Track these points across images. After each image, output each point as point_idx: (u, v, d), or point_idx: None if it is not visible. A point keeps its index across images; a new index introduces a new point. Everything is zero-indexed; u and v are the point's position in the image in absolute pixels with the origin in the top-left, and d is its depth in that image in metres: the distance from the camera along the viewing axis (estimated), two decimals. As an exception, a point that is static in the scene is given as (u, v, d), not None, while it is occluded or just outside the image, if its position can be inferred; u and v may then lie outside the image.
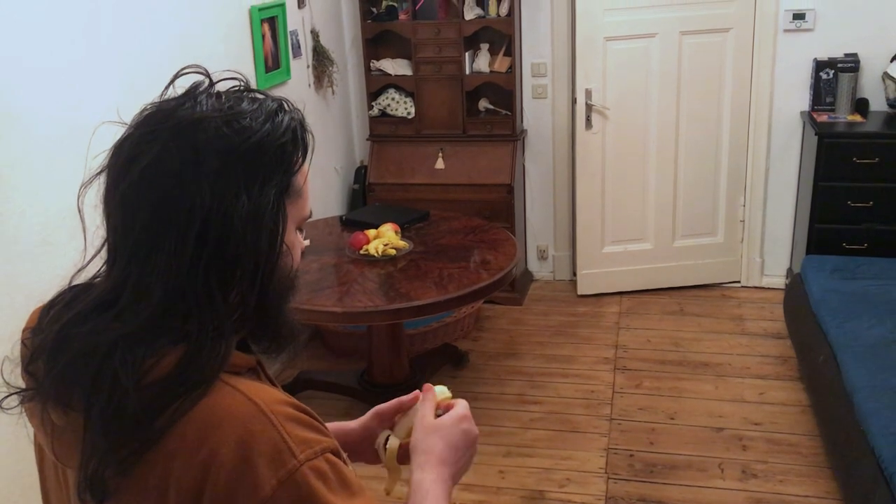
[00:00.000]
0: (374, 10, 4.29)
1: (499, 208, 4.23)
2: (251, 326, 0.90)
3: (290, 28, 3.68)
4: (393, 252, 3.19)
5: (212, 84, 0.91)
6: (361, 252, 3.19)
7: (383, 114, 4.42)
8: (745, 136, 4.29)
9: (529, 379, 3.66)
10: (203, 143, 0.84)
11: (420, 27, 4.19)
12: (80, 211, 0.93)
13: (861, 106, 3.97)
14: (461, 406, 1.10)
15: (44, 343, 0.85)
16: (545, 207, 4.65)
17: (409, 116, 4.37)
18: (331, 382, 3.47)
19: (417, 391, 1.18)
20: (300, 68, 3.83)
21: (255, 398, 0.83)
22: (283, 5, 3.59)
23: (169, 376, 0.81)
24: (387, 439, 1.17)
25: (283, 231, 0.88)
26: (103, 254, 0.91)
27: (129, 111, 2.68)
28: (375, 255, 3.16)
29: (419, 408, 1.12)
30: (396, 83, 4.36)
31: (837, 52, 3.99)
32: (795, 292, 3.59)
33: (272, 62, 3.52)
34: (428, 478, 1.02)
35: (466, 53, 4.23)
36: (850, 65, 3.96)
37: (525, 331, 4.14)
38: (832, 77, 4.00)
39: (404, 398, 1.20)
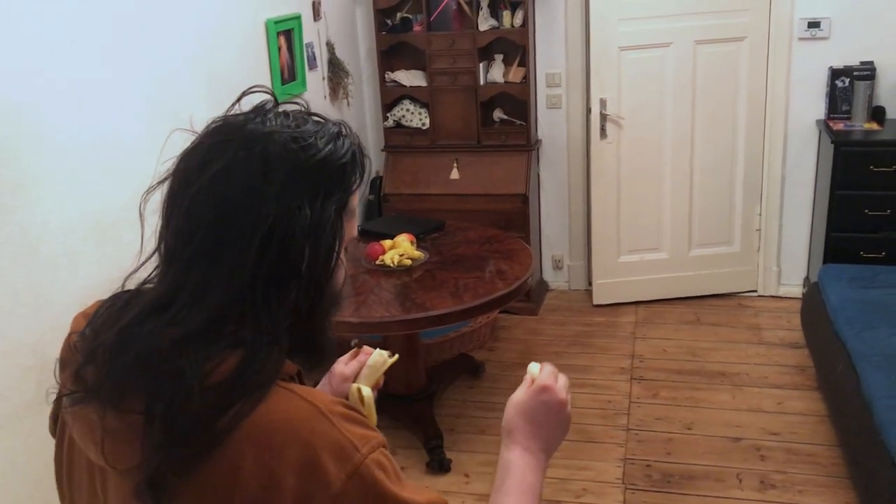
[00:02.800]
0: (389, 21, 4.32)
1: (514, 218, 4.23)
2: (296, 338, 0.92)
3: (305, 40, 3.71)
4: (409, 262, 3.20)
5: (276, 104, 0.95)
6: (377, 262, 3.21)
7: (398, 125, 4.44)
8: (760, 144, 4.28)
9: (545, 389, 3.65)
10: (272, 156, 0.87)
11: (434, 38, 4.21)
12: (141, 215, 0.96)
13: (877, 114, 3.95)
14: (543, 375, 1.10)
15: (102, 346, 0.86)
16: (560, 217, 4.65)
17: (424, 127, 4.39)
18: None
19: (368, 347, 1.28)
20: (316, 80, 3.86)
21: (312, 400, 0.86)
22: (298, 18, 3.62)
23: (229, 379, 0.83)
24: (358, 391, 1.23)
25: (339, 246, 0.92)
26: (153, 258, 0.94)
27: (150, 123, 2.73)
28: (391, 265, 3.17)
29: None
30: (411, 94, 4.38)
31: (853, 60, 3.98)
32: (813, 301, 3.57)
33: (288, 74, 3.55)
34: (511, 455, 1.04)
35: (481, 64, 4.24)
36: (866, 73, 3.94)
37: (541, 341, 4.14)
38: (848, 85, 3.99)
39: (361, 356, 1.29)
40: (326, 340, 0.96)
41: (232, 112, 0.95)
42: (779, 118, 4.20)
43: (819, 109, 4.12)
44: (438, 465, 3.10)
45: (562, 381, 1.11)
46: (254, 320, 0.86)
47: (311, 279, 0.89)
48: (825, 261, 3.86)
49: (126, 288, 0.95)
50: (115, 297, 0.93)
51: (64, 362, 0.95)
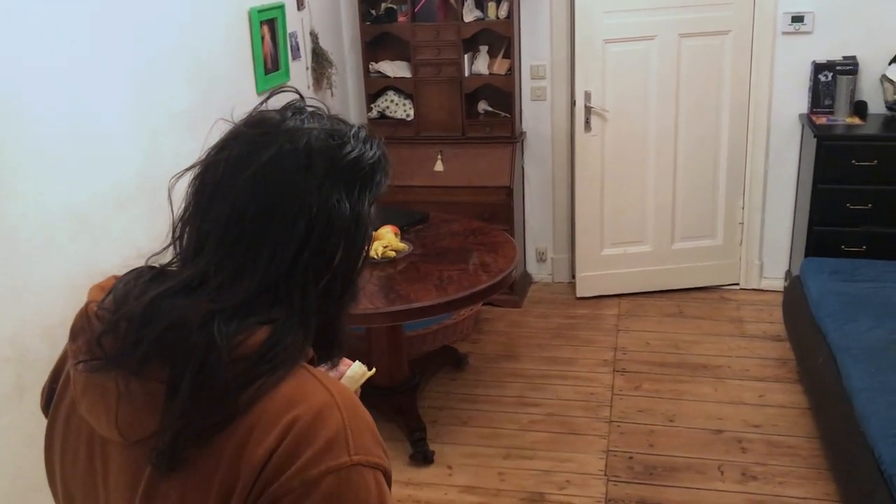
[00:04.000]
0: (374, 12, 4.29)
1: (498, 210, 4.23)
2: (317, 327, 0.94)
3: (289, 30, 3.68)
4: (392, 254, 3.19)
5: (304, 103, 0.99)
6: (361, 254, 3.19)
7: (382, 116, 4.42)
8: (743, 138, 4.30)
9: (529, 381, 3.66)
10: (314, 150, 0.91)
11: (419, 29, 4.20)
12: (170, 199, 0.98)
13: (860, 108, 3.98)
14: None
15: (126, 315, 0.87)
16: (544, 210, 4.65)
17: (409, 118, 4.37)
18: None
19: (347, 359, 1.28)
20: (299, 70, 3.83)
21: (330, 388, 0.88)
22: (282, 7, 3.59)
23: (257, 353, 0.85)
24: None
25: (369, 242, 0.97)
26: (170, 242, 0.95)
27: (131, 111, 2.70)
28: (375, 257, 3.16)
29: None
30: (395, 85, 4.36)
31: (836, 55, 4.00)
32: (794, 294, 3.59)
33: (271, 64, 3.52)
34: None
35: (465, 55, 4.23)
36: (849, 67, 3.96)
37: (524, 333, 4.14)
38: (831, 79, 4.01)
39: (340, 367, 1.29)
40: (342, 332, 1.00)
41: (261, 108, 0.98)
42: (762, 112, 4.22)
43: (802, 103, 4.14)
44: (422, 457, 3.10)
45: None
46: (286, 303, 0.89)
47: (343, 270, 0.94)
48: (807, 254, 3.89)
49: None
50: (137, 271, 0.95)
51: (77, 331, 0.95)
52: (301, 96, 1.00)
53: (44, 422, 1.03)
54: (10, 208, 2.08)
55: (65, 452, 0.97)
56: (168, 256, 0.95)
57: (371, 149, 0.97)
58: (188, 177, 0.96)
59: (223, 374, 0.82)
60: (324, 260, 0.91)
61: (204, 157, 0.95)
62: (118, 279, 0.95)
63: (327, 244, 0.91)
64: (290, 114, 0.96)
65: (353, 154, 0.94)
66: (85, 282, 2.45)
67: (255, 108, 0.98)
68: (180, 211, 0.94)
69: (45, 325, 2.15)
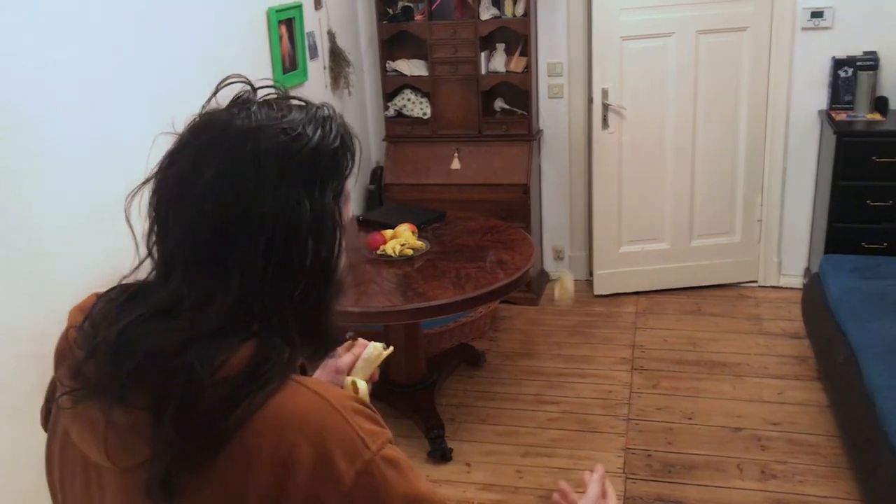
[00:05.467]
0: (390, 10, 4.30)
1: (515, 208, 4.23)
2: (302, 327, 0.91)
3: (306, 29, 3.69)
4: (410, 252, 3.19)
5: (255, 93, 0.92)
6: (378, 252, 3.20)
7: (399, 114, 4.43)
8: (762, 134, 4.27)
9: (546, 379, 3.66)
10: (263, 152, 0.85)
11: (436, 28, 4.20)
12: (127, 218, 0.93)
13: (880, 104, 3.94)
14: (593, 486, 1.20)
15: (103, 342, 0.84)
16: (561, 207, 4.65)
17: (425, 117, 4.38)
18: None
19: (363, 340, 1.29)
20: (317, 69, 3.85)
21: (323, 394, 0.85)
22: (300, 7, 3.61)
23: (241, 373, 0.82)
24: (353, 384, 1.24)
25: (341, 234, 0.91)
26: (143, 256, 0.92)
27: (150, 114, 2.72)
28: (392, 255, 3.17)
29: None
30: (412, 84, 4.37)
31: (856, 50, 3.97)
32: (814, 292, 3.57)
33: (289, 63, 3.54)
34: None
35: (482, 53, 4.23)
36: (870, 63, 3.93)
37: (541, 331, 4.14)
38: (851, 75, 3.97)
39: (356, 349, 1.30)
40: (331, 328, 0.94)
41: (210, 106, 0.92)
42: (781, 108, 4.19)
43: (821, 100, 4.11)
44: (440, 454, 3.10)
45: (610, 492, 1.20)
46: (263, 316, 0.86)
47: (317, 270, 0.89)
48: (826, 251, 3.86)
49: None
50: (114, 291, 0.91)
51: (60, 357, 0.92)
52: (250, 84, 0.93)
53: None
54: (34, 209, 2.10)
55: (63, 475, 0.95)
56: (140, 272, 0.92)
57: (331, 132, 0.90)
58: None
59: (207, 399, 0.79)
60: (294, 265, 0.87)
61: (155, 171, 0.89)
62: (98, 298, 0.92)
63: (293, 249, 0.86)
64: (236, 111, 0.89)
65: (311, 145, 0.87)
66: (105, 279, 2.47)
67: (202, 107, 0.92)
68: (147, 225, 0.90)
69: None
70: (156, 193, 0.89)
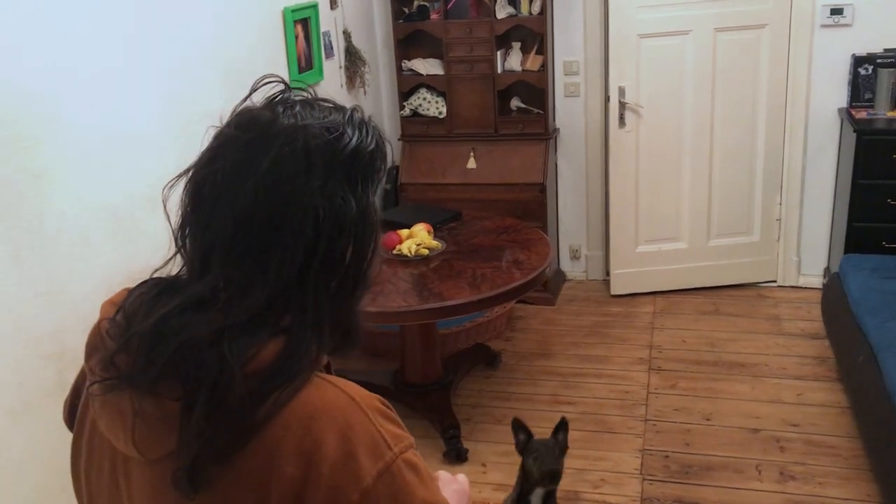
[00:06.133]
0: (406, 10, 4.29)
1: (531, 208, 4.21)
2: (333, 324, 0.92)
3: (322, 29, 3.70)
4: (426, 252, 3.19)
5: (290, 92, 0.94)
6: (394, 252, 3.20)
7: (415, 114, 4.42)
8: (781, 133, 4.23)
9: (563, 379, 3.64)
10: (313, 149, 0.87)
11: (452, 26, 4.19)
12: (165, 207, 0.95)
13: (901, 102, 3.90)
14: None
15: (137, 334, 0.85)
16: (578, 207, 4.63)
17: (441, 116, 4.37)
18: (364, 382, 3.46)
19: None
20: (333, 69, 3.85)
21: (349, 392, 0.87)
22: (315, 6, 3.61)
23: (270, 367, 0.83)
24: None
25: (378, 232, 0.93)
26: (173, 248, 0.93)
27: (167, 113, 2.72)
28: (408, 255, 3.16)
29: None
30: (428, 83, 4.36)
31: (877, 48, 3.92)
32: (833, 292, 3.53)
33: (305, 63, 3.54)
34: None
35: (498, 52, 4.22)
36: (891, 60, 3.88)
37: (558, 331, 4.12)
38: (871, 73, 3.93)
39: None
40: (357, 322, 0.96)
41: (246, 104, 0.93)
42: (800, 106, 4.15)
43: (841, 97, 4.07)
44: (456, 454, 3.10)
45: (461, 477, 1.16)
46: (298, 311, 0.87)
47: (354, 268, 0.91)
48: (846, 251, 3.82)
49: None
50: (146, 285, 0.92)
51: (91, 349, 0.93)
52: (286, 84, 0.95)
53: None
54: (50, 208, 2.11)
55: (89, 468, 0.97)
56: (173, 267, 0.93)
57: (367, 135, 0.93)
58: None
59: (237, 391, 0.80)
60: (334, 262, 0.88)
61: (196, 166, 0.90)
62: (130, 292, 0.93)
63: (336, 245, 0.88)
64: (280, 109, 0.91)
65: (352, 145, 0.90)
66: (121, 280, 2.47)
67: (238, 106, 0.94)
68: (178, 220, 0.91)
69: (85, 323, 2.18)
70: (196, 188, 0.89)
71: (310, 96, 0.95)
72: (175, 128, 2.62)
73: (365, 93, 4.22)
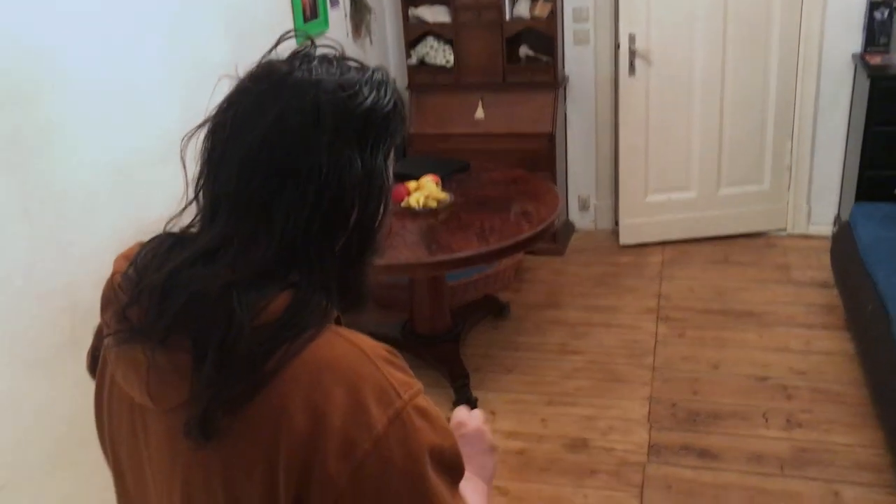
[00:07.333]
0: (412, -44, 4.22)
1: (540, 158, 4.19)
2: (338, 281, 0.93)
3: (327, -23, 3.64)
4: (434, 204, 3.18)
5: (315, 48, 0.94)
6: (402, 205, 3.19)
7: (422, 63, 4.38)
8: (793, 79, 4.18)
9: (571, 329, 3.66)
10: (322, 105, 0.87)
11: (459, -27, 4.12)
12: (182, 160, 0.95)
13: (917, 47, 3.83)
14: (456, 414, 1.19)
15: (148, 287, 0.86)
16: (587, 156, 4.60)
17: (448, 65, 4.32)
18: (374, 333, 3.49)
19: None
20: (338, 18, 3.80)
21: (357, 342, 0.88)
22: (320, -46, 3.55)
23: (279, 320, 0.84)
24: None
25: (388, 195, 0.94)
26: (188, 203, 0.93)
27: (167, 64, 2.69)
28: (416, 207, 3.16)
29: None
30: (435, 31, 4.30)
31: (893, -9, 3.84)
32: (843, 240, 3.52)
33: (310, 12, 3.49)
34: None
35: (506, -1, 4.15)
36: (907, 3, 3.81)
37: (566, 281, 4.13)
38: (887, 17, 3.85)
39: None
40: (366, 286, 0.97)
41: (269, 58, 0.93)
42: (813, 52, 4.08)
43: (855, 42, 4.00)
44: (465, 402, 3.13)
45: (475, 413, 1.19)
46: (304, 266, 0.87)
47: (361, 228, 0.91)
48: (857, 199, 3.80)
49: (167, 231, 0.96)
50: (158, 239, 0.93)
51: (106, 302, 0.95)
52: (312, 40, 0.94)
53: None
54: (56, 164, 2.11)
55: (111, 417, 0.99)
56: (187, 217, 0.93)
57: (385, 95, 0.92)
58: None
59: (246, 342, 0.81)
60: (339, 221, 0.89)
61: (213, 114, 0.91)
62: (142, 246, 0.94)
63: (340, 205, 0.88)
64: (297, 63, 0.90)
65: (366, 105, 0.89)
66: (131, 233, 2.48)
67: (262, 58, 0.93)
68: (196, 170, 0.92)
69: (95, 276, 2.19)
70: (211, 135, 0.91)
71: (334, 53, 0.95)
72: (177, 80, 2.60)
73: (371, 42, 4.17)
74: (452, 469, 0.88)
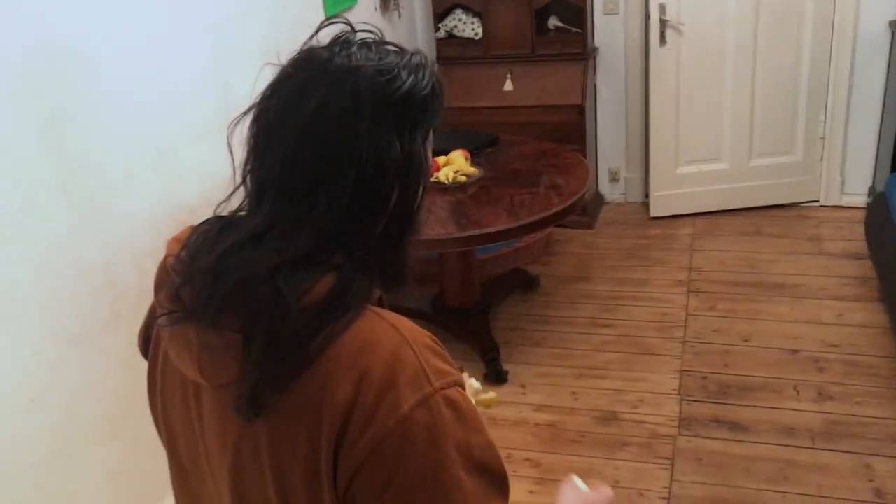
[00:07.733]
0: (440, -72, 4.19)
1: (569, 130, 4.16)
2: (379, 262, 0.95)
3: (355, -49, 3.63)
4: (463, 179, 3.19)
5: (355, 34, 0.96)
6: (432, 179, 3.21)
7: (450, 35, 4.36)
8: (827, 48, 4.10)
9: (602, 302, 3.67)
10: (362, 90, 0.89)
11: (487, -55, 4.08)
12: (229, 146, 0.99)
13: (956, 13, 3.74)
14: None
15: (200, 269, 0.90)
16: (617, 128, 4.57)
17: (477, 37, 4.30)
18: (404, 307, 3.53)
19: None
20: (366, -8, 3.79)
21: (399, 327, 0.90)
22: (347, -72, 3.54)
23: (323, 301, 0.87)
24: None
25: (426, 178, 0.96)
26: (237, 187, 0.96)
27: (204, 46, 2.71)
28: (446, 182, 3.17)
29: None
30: (463, 3, 4.28)
31: (932, -45, 3.75)
32: (878, 211, 3.47)
33: (338, -12, 3.49)
34: None
35: (535, -30, 4.11)
36: (946, -32, 3.72)
37: (597, 254, 4.13)
38: (925, -18, 3.77)
39: None
40: (406, 266, 0.99)
41: (310, 44, 0.95)
42: (848, 19, 4.00)
43: (892, 9, 3.92)
44: (495, 375, 3.16)
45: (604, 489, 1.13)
46: (346, 249, 0.90)
47: (400, 209, 0.93)
48: (893, 170, 3.74)
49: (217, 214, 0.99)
50: (208, 223, 0.97)
51: (159, 283, 0.99)
52: (351, 27, 0.96)
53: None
54: (95, 143, 2.15)
55: (164, 394, 1.03)
56: (236, 200, 0.96)
57: (423, 79, 0.94)
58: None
59: (292, 323, 0.84)
60: (379, 204, 0.91)
61: (257, 101, 0.94)
62: (193, 229, 0.97)
63: (381, 189, 0.90)
64: (337, 49, 0.92)
65: (404, 88, 0.91)
66: (166, 211, 2.53)
67: (303, 44, 0.96)
68: (243, 155, 0.95)
69: (132, 254, 2.25)
70: (256, 122, 0.93)
71: (374, 38, 0.96)
72: (214, 61, 2.62)
73: (399, 15, 4.16)
74: (487, 471, 0.89)
